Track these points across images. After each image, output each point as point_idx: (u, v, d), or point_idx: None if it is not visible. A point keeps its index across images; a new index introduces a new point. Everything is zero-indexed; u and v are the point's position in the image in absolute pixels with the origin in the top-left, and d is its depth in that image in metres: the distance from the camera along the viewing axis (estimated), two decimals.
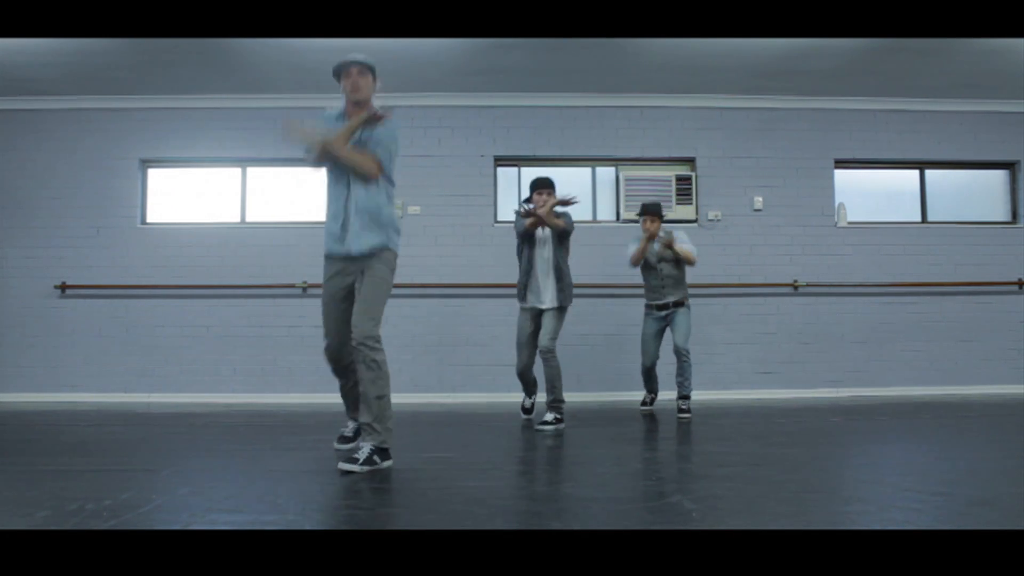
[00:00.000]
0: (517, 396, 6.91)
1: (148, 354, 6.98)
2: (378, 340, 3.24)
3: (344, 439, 3.86)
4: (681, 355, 5.46)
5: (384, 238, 3.39)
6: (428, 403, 6.70)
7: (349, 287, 3.43)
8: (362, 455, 3.18)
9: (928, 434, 4.37)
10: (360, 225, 3.35)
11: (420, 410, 6.13)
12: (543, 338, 4.91)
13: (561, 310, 5.02)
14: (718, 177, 7.31)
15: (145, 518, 2.32)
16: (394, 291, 7.11)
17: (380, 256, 3.38)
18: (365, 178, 3.34)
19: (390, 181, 3.44)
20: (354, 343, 3.23)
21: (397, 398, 6.92)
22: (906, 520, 2.26)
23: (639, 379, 6.89)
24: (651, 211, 5.57)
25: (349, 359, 3.56)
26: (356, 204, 3.36)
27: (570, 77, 6.80)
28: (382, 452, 3.24)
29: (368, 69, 3.38)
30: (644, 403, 5.89)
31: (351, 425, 3.89)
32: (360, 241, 3.36)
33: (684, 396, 5.48)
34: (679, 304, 5.61)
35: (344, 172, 3.37)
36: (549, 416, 4.84)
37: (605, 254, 7.06)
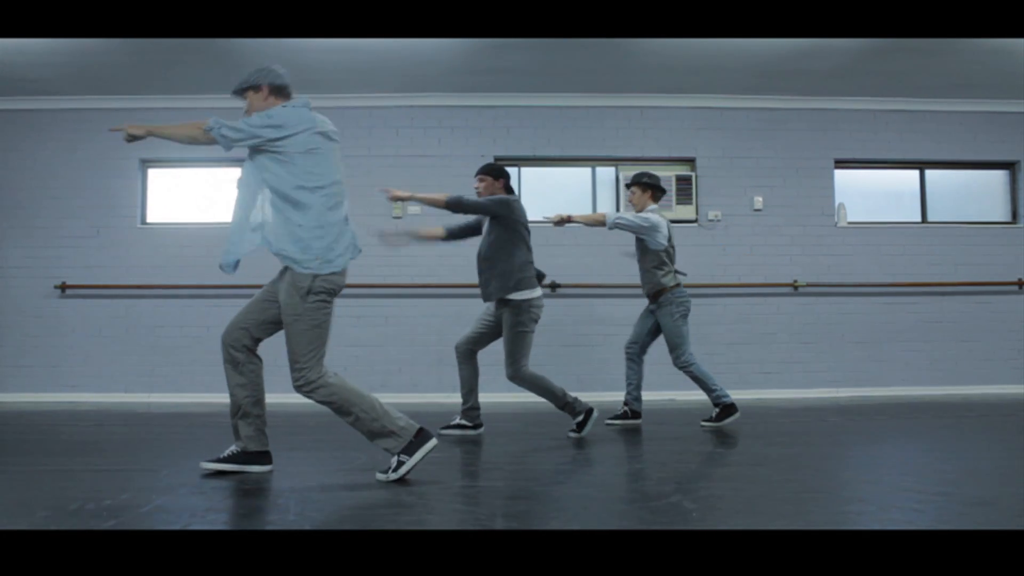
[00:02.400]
0: (517, 396, 6.91)
1: (148, 354, 6.98)
2: (314, 380, 3.09)
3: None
4: (681, 370, 4.94)
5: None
6: (428, 403, 6.69)
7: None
8: (392, 463, 2.97)
9: (928, 434, 4.37)
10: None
11: (420, 410, 6.13)
12: (505, 367, 4.42)
13: (512, 311, 4.37)
14: (718, 177, 7.31)
15: (145, 518, 2.32)
16: (394, 291, 7.12)
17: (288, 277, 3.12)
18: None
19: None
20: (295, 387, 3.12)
21: (397, 398, 6.92)
22: (906, 520, 2.26)
23: None
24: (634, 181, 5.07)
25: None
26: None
27: (570, 77, 6.80)
28: (407, 449, 2.96)
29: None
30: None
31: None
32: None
33: (714, 404, 4.89)
34: (654, 299, 5.01)
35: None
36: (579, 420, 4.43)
37: (605, 254, 7.05)
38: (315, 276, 3.03)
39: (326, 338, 3.22)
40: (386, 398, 7.47)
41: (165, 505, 2.51)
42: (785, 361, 7.17)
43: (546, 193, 7.37)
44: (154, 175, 7.34)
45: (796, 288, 7.24)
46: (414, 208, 7.11)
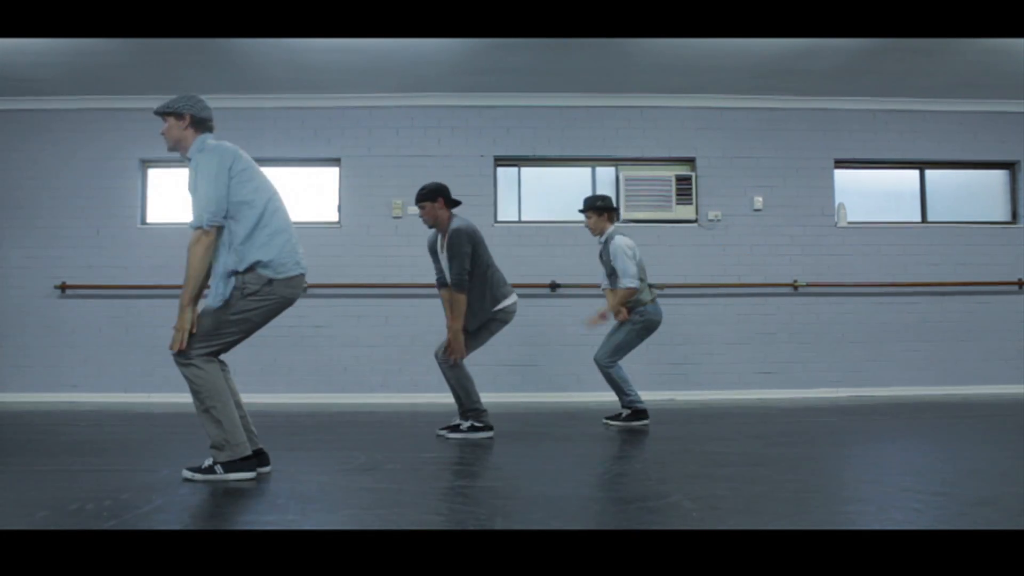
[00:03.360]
0: (518, 396, 6.92)
1: (148, 354, 6.98)
2: (189, 356, 3.00)
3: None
4: (602, 369, 4.96)
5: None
6: (428, 403, 6.69)
7: None
8: (204, 463, 3.03)
9: (928, 434, 4.37)
10: None
11: (420, 410, 6.14)
12: (444, 347, 4.43)
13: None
14: (718, 177, 7.31)
15: (145, 518, 2.32)
16: (394, 291, 7.12)
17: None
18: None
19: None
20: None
21: (397, 398, 6.93)
22: (906, 520, 2.26)
23: (638, 379, 6.89)
24: (587, 206, 5.09)
25: None
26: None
27: (570, 77, 6.80)
28: (225, 464, 2.99)
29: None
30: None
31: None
32: None
33: (625, 407, 4.96)
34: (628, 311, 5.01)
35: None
36: (464, 423, 4.42)
37: None
38: (268, 281, 3.06)
39: (233, 339, 3.11)
40: (386, 398, 7.48)
41: (165, 505, 2.51)
42: (785, 361, 7.17)
43: (546, 193, 7.37)
44: (154, 175, 7.34)
45: (796, 288, 7.24)
46: (414, 209, 7.11)
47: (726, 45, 6.12)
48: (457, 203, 4.53)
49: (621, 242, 4.95)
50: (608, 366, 4.93)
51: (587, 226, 5.14)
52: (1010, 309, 7.33)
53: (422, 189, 4.47)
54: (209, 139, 3.12)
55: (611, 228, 5.07)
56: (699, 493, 2.68)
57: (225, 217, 3.02)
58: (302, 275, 3.17)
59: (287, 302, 3.14)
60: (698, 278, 7.18)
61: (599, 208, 5.07)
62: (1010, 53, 6.28)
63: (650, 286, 5.06)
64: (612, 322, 5.07)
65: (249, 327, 3.10)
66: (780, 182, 7.35)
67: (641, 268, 5.02)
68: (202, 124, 3.15)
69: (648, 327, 4.98)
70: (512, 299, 4.50)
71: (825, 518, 2.30)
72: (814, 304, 7.25)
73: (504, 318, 4.47)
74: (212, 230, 3.00)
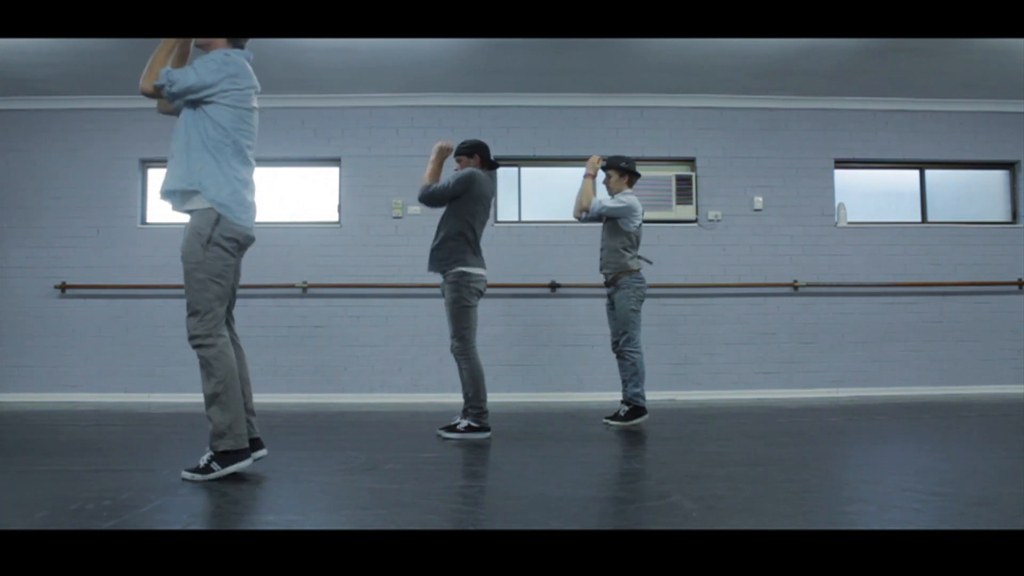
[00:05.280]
0: (518, 396, 6.92)
1: (148, 354, 6.98)
2: (205, 336, 2.99)
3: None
4: (621, 354, 4.88)
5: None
6: (428, 403, 6.69)
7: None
8: (201, 461, 2.94)
9: (928, 434, 4.37)
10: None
11: (420, 410, 6.13)
12: (451, 340, 4.40)
13: (451, 287, 4.35)
14: (718, 177, 7.31)
15: (145, 518, 2.32)
16: (394, 291, 7.11)
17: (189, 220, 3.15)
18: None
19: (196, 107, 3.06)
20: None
21: (397, 398, 6.93)
22: (906, 520, 2.26)
23: None
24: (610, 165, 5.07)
25: None
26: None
27: (570, 77, 6.80)
28: (222, 457, 2.92)
29: None
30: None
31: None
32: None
33: (623, 401, 4.89)
34: (613, 281, 4.94)
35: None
36: (462, 422, 4.32)
37: None
38: (219, 220, 3.16)
39: (227, 292, 3.19)
40: (386, 398, 7.48)
41: (165, 505, 2.51)
42: (785, 361, 7.17)
43: (546, 193, 7.37)
44: (154, 175, 7.34)
45: (796, 288, 7.24)
46: (414, 208, 7.11)
47: (726, 45, 6.12)
48: (496, 164, 4.66)
49: (627, 198, 4.98)
50: (633, 350, 4.87)
51: (606, 184, 5.12)
52: (1010, 309, 7.33)
53: (462, 143, 4.62)
54: (234, 52, 3.14)
55: (627, 191, 5.07)
56: (699, 493, 2.68)
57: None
58: None
59: None
60: (698, 278, 7.18)
61: (622, 169, 5.06)
62: (1010, 53, 6.28)
63: (639, 256, 5.05)
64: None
65: None
66: (780, 182, 7.35)
67: (636, 237, 5.02)
68: (235, 40, 3.21)
69: (638, 293, 4.94)
70: (477, 270, 4.42)
71: (825, 518, 2.30)
72: (814, 304, 7.25)
73: (477, 287, 4.40)
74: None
